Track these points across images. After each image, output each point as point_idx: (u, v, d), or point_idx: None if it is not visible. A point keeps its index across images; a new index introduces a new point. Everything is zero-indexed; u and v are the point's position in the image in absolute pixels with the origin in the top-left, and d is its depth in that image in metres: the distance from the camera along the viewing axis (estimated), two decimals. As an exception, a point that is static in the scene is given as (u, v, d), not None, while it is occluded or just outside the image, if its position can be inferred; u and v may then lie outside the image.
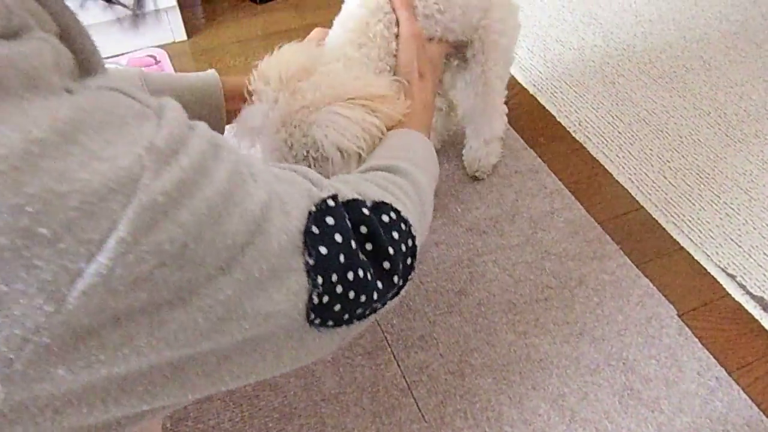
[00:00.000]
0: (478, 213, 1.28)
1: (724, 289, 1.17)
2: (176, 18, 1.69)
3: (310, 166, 0.79)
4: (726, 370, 1.04)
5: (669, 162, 1.40)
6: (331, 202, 0.51)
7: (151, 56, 1.67)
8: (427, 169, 0.74)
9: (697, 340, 1.08)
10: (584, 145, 1.43)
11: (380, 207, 0.59)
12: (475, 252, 1.21)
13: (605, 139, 1.44)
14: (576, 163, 1.39)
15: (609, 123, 1.49)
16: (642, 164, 1.39)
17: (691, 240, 1.24)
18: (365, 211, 0.55)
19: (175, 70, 1.62)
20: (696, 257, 1.22)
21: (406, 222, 0.60)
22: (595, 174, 1.38)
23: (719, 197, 1.32)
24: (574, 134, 1.46)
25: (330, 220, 0.50)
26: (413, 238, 0.61)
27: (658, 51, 1.71)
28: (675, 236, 1.25)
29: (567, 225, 1.26)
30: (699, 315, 1.13)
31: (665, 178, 1.36)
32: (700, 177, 1.37)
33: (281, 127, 0.82)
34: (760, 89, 1.59)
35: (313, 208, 0.49)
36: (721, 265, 1.20)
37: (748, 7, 1.88)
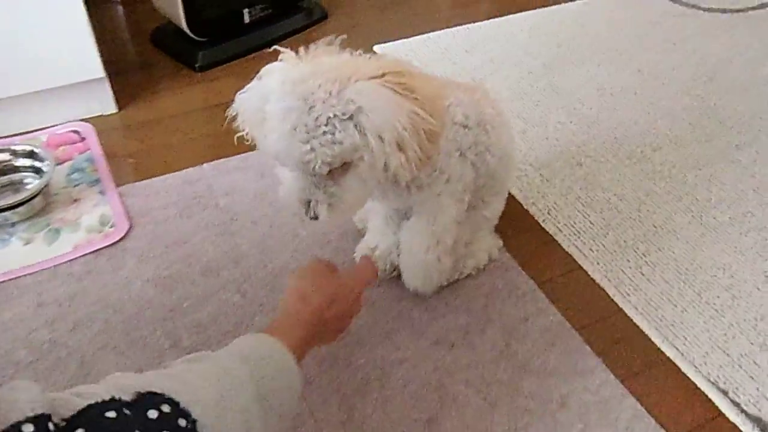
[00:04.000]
0: (444, 322, 1.15)
1: (717, 407, 1.06)
2: (104, 88, 1.53)
3: (325, 134, 0.78)
4: None
5: (645, 256, 1.30)
6: (27, 428, 0.41)
7: (74, 131, 1.49)
8: (265, 373, 0.65)
9: (695, 476, 0.96)
10: (555, 237, 1.33)
11: (145, 399, 0.48)
12: (445, 370, 1.07)
13: (577, 231, 1.34)
14: (548, 259, 1.28)
15: (579, 211, 1.38)
16: (617, 259, 1.29)
17: (677, 349, 1.14)
18: (110, 414, 0.45)
19: (102, 147, 1.45)
20: (683, 369, 1.11)
21: (187, 416, 0.49)
22: (569, 271, 1.26)
23: (700, 296, 1.23)
24: (543, 224, 1.35)
25: None
26: None
27: (624, 127, 1.64)
28: (659, 344, 1.15)
29: (543, 334, 1.14)
30: (693, 440, 1.02)
31: (643, 274, 1.26)
32: (679, 272, 1.27)
33: (309, 78, 0.79)
34: (729, 171, 1.53)
35: None
36: (711, 378, 1.10)
37: (706, 81, 1.84)
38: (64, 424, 0.43)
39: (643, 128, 1.64)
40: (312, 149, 0.79)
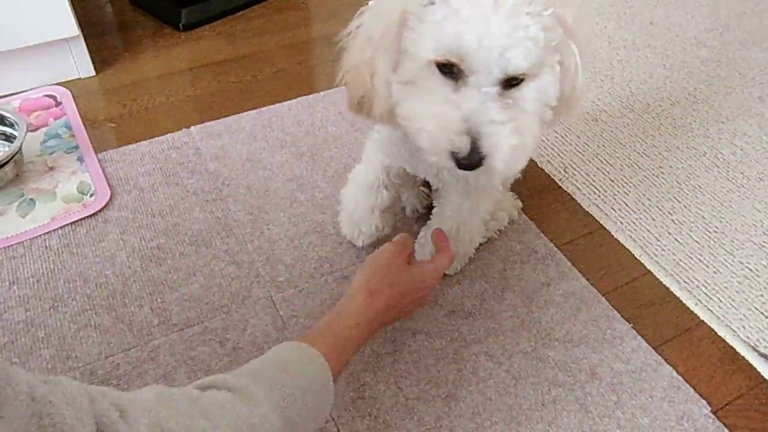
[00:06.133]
0: (459, 289, 1.05)
1: (759, 374, 0.98)
2: (81, 49, 1.40)
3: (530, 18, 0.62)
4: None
5: (671, 214, 1.20)
6: None
7: (49, 96, 1.38)
8: (299, 409, 0.62)
9: (742, 447, 0.88)
10: (573, 196, 1.23)
11: None
12: (462, 341, 0.98)
13: (596, 189, 1.24)
14: (567, 220, 1.18)
15: (598, 168, 1.28)
16: (642, 218, 1.19)
17: (712, 312, 1.05)
18: None
19: (80, 112, 1.33)
20: (720, 333, 1.02)
21: None
22: (590, 232, 1.17)
23: (733, 255, 1.14)
24: (560, 183, 1.25)
25: None
26: None
27: (638, 81, 1.53)
28: (692, 308, 1.05)
29: (567, 299, 1.05)
30: (736, 410, 0.93)
31: (670, 234, 1.17)
32: (708, 231, 1.18)
33: None
34: (753, 124, 1.43)
35: None
36: (751, 342, 1.01)
37: (723, 32, 1.74)
38: None
39: (659, 82, 1.54)
40: (525, 32, 0.61)
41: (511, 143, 0.65)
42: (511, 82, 0.66)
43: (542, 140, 1.33)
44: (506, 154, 0.65)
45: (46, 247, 1.06)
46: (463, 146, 0.65)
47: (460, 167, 0.67)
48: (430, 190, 1.09)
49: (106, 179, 1.18)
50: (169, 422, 0.49)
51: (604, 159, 1.31)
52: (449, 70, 0.66)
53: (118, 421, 0.45)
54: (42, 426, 0.39)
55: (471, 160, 0.65)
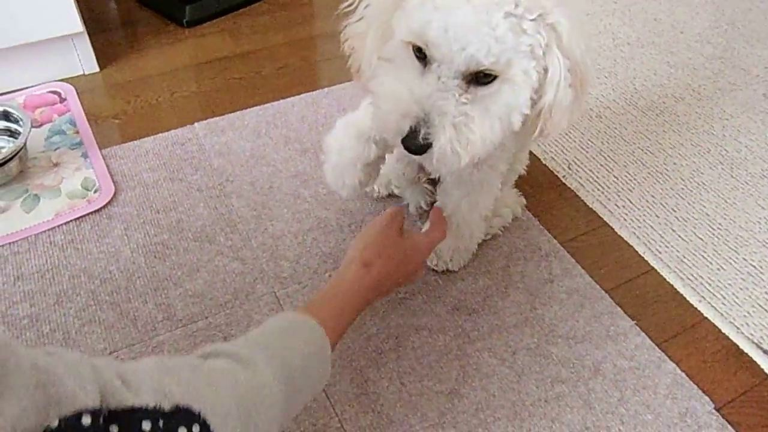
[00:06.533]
0: (463, 285, 1.05)
1: (763, 371, 0.98)
2: (85, 46, 1.41)
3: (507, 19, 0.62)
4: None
5: (675, 211, 1.20)
6: (86, 419, 0.40)
7: (54, 92, 1.38)
8: (298, 378, 0.63)
9: (745, 443, 0.88)
10: (577, 192, 1.23)
11: (181, 415, 0.47)
12: (466, 337, 0.98)
13: (600, 186, 1.24)
14: (570, 216, 1.18)
15: (602, 165, 1.28)
16: (645, 215, 1.19)
17: (716, 309, 1.05)
18: (145, 425, 0.44)
19: (84, 108, 1.33)
20: (724, 330, 1.02)
21: None
22: (594, 228, 1.17)
23: (737, 252, 1.14)
24: (564, 180, 1.25)
25: None
26: None
27: (642, 78, 1.53)
28: (696, 305, 1.05)
29: (570, 296, 1.05)
30: (739, 407, 0.93)
31: (674, 231, 1.16)
32: (712, 228, 1.18)
33: None
34: (758, 121, 1.42)
35: (56, 423, 0.39)
36: (755, 340, 1.01)
37: (727, 29, 1.73)
38: (107, 413, 0.43)
39: (663, 78, 1.54)
40: (492, 29, 0.62)
41: (451, 136, 0.65)
42: (479, 79, 0.66)
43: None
44: (443, 146, 0.66)
45: (50, 243, 1.06)
46: (405, 129, 0.66)
47: (405, 149, 0.68)
48: (434, 187, 1.09)
49: (111, 175, 1.18)
50: (171, 389, 0.49)
51: (608, 156, 1.31)
52: (422, 54, 0.67)
53: (121, 389, 0.46)
54: (48, 395, 0.39)
55: (413, 144, 0.67)
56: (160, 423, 0.45)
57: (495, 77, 0.66)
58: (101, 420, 0.42)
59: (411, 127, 0.66)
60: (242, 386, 0.56)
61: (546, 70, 0.68)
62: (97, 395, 0.43)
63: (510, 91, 0.67)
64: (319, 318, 0.70)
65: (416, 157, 0.70)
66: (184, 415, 0.48)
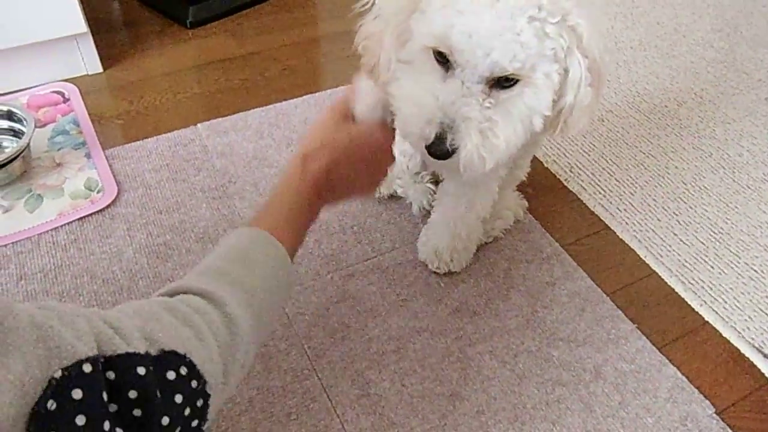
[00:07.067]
0: (464, 288, 1.05)
1: (764, 375, 0.98)
2: (89, 46, 1.41)
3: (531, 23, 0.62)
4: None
5: (677, 215, 1.20)
6: (87, 367, 0.42)
7: (57, 92, 1.38)
8: (263, 298, 0.62)
9: (746, 448, 0.88)
10: (579, 196, 1.23)
11: (168, 358, 0.49)
12: (467, 340, 0.98)
13: (602, 189, 1.24)
14: (573, 220, 1.18)
15: (604, 168, 1.29)
16: (647, 219, 1.19)
17: (717, 313, 1.05)
18: (140, 370, 0.46)
19: (88, 108, 1.34)
20: (725, 335, 1.02)
21: (199, 378, 0.51)
22: (596, 232, 1.17)
23: (738, 257, 1.14)
24: (566, 183, 1.25)
25: (77, 394, 0.41)
26: (206, 397, 0.52)
27: (644, 82, 1.53)
28: (697, 308, 1.06)
29: (571, 299, 1.05)
30: (740, 411, 0.93)
31: (675, 234, 1.17)
32: (714, 232, 1.18)
33: None
34: (760, 125, 1.43)
35: (59, 374, 0.40)
36: (756, 344, 1.01)
37: (730, 33, 1.73)
38: (102, 361, 0.45)
39: (665, 82, 1.54)
40: (516, 35, 0.62)
41: (477, 142, 0.65)
42: (501, 83, 0.67)
43: (547, 140, 1.33)
44: (469, 152, 0.66)
45: (53, 243, 1.07)
46: (431, 135, 0.66)
47: (430, 155, 0.68)
48: (437, 186, 1.10)
49: (114, 175, 1.18)
50: (157, 334, 0.50)
51: (610, 159, 1.31)
52: (444, 58, 0.67)
53: (114, 337, 0.47)
54: (48, 348, 0.41)
55: (439, 150, 0.66)
56: (151, 368, 0.47)
57: (517, 81, 0.67)
58: (100, 367, 0.44)
59: (437, 134, 0.66)
60: (215, 324, 0.56)
61: (566, 71, 0.68)
62: (94, 344, 0.44)
63: (532, 94, 0.67)
64: (270, 227, 0.66)
65: (439, 162, 0.69)
66: (171, 358, 0.49)
